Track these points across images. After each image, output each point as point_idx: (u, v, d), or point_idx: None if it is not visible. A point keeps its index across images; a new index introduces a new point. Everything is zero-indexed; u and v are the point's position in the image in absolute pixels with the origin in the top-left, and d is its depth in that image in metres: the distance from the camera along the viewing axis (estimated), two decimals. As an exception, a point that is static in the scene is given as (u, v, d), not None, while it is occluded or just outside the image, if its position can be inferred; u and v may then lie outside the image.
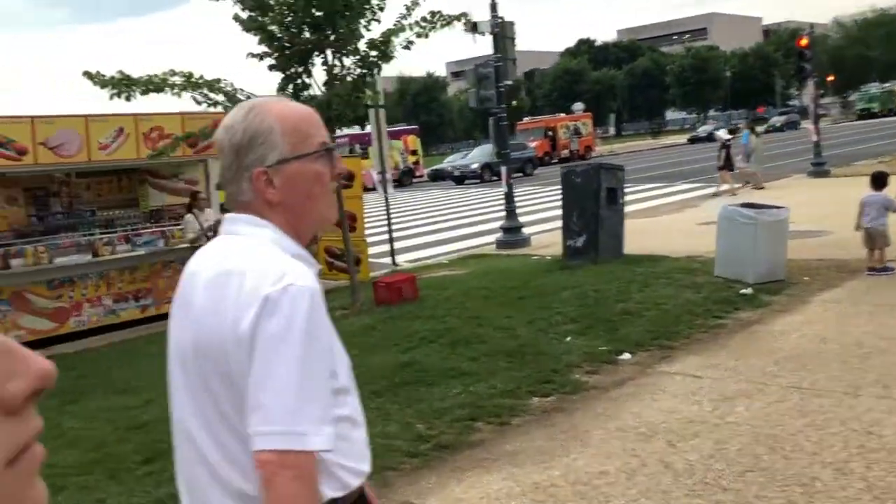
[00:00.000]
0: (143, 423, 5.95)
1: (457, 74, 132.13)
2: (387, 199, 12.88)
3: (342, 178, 1.83)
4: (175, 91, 8.04)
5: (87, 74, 8.16)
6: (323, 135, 1.62)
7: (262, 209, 1.56)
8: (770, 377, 5.74)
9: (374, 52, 8.51)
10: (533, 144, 44.48)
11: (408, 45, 8.48)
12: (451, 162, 39.86)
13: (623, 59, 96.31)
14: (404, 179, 39.30)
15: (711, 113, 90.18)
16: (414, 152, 42.63)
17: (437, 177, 39.47)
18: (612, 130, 57.87)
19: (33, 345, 10.20)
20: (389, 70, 9.32)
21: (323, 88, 8.68)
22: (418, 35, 8.47)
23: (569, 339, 7.06)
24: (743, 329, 7.15)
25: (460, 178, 35.56)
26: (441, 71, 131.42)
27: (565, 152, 47.80)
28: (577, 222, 10.64)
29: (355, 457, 1.59)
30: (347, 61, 8.61)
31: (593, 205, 10.40)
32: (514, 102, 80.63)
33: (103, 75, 8.15)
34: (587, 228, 10.51)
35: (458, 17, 8.83)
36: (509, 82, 14.37)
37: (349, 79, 8.68)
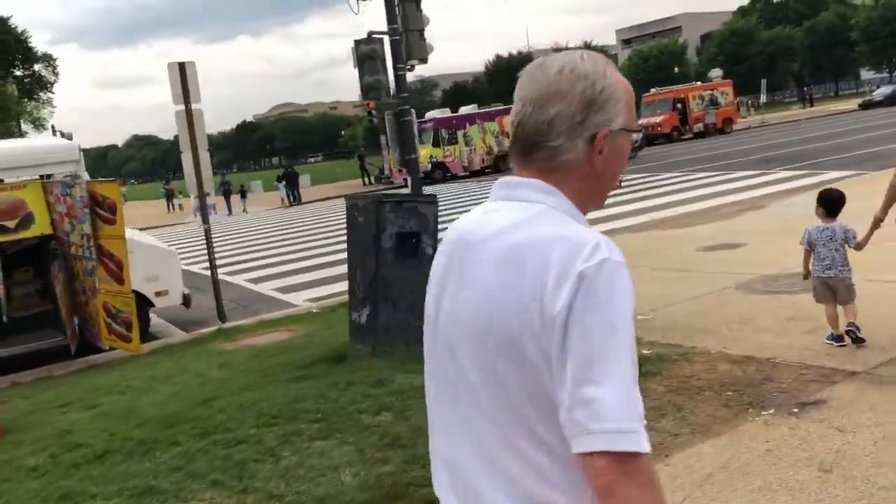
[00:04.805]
0: None
1: (628, 42, 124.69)
2: (206, 231, 9.41)
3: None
4: None
5: None
6: None
7: (573, 174, 1.36)
8: None
9: None
10: (657, 119, 38.97)
11: None
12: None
13: (804, 14, 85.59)
14: (500, 164, 35.75)
15: (912, 71, 78.10)
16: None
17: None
18: (763, 98, 50.37)
19: None
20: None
21: None
22: None
23: None
24: None
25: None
26: (612, 40, 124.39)
27: (698, 126, 41.75)
28: (360, 286, 6.78)
29: None
30: None
31: (373, 260, 6.51)
32: (675, 69, 74.19)
33: None
34: (370, 296, 6.63)
35: None
36: (414, 62, 10.49)
37: None
